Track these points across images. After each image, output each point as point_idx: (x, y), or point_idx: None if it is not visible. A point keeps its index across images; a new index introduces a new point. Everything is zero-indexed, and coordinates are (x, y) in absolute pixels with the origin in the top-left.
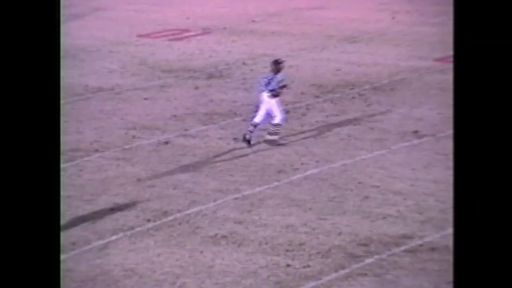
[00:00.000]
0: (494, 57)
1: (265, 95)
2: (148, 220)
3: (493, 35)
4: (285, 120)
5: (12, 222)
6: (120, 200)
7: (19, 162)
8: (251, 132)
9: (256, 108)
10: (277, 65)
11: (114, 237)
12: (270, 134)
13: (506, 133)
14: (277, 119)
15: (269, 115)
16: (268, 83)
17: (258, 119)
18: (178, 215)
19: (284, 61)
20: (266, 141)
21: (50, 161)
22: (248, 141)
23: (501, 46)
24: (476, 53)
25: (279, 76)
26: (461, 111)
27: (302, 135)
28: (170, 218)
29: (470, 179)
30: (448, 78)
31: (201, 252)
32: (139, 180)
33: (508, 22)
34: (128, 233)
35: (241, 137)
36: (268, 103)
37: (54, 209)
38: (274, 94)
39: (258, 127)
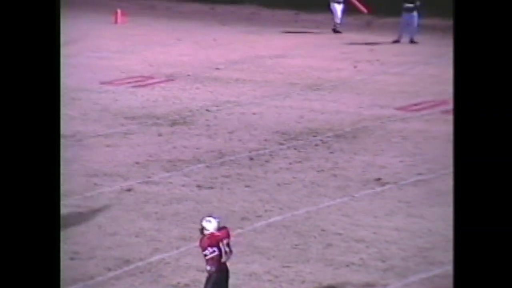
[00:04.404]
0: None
1: None
2: (109, 269)
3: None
4: None
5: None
6: (80, 249)
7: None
8: None
9: None
10: None
11: None
12: None
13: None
14: None
15: None
16: None
17: None
18: (140, 263)
19: None
20: None
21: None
22: None
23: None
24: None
25: None
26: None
27: (266, 182)
28: (132, 266)
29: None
30: (409, 126)
31: None
32: (100, 228)
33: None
34: (88, 283)
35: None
36: None
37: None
38: None
39: None
